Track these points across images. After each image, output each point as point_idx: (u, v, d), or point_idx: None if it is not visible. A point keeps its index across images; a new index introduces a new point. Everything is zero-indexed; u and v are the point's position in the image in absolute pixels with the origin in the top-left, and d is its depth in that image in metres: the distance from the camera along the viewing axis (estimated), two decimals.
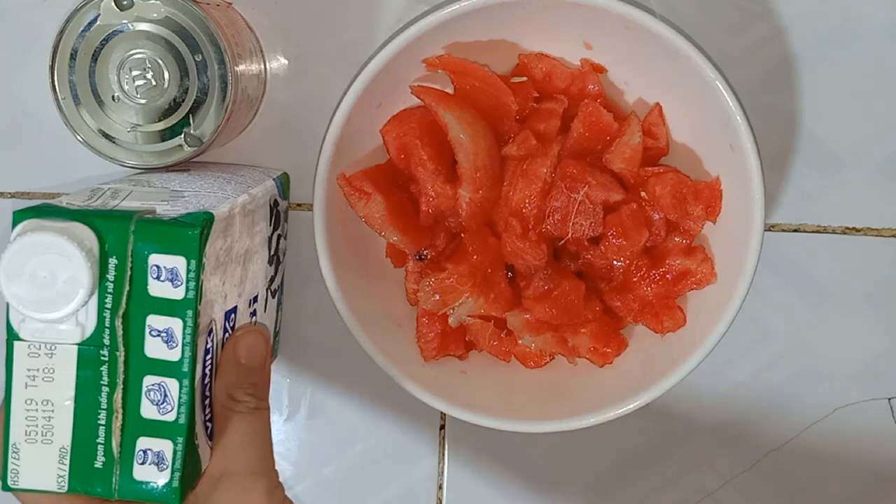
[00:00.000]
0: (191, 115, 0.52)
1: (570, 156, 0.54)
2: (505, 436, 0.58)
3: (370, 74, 0.51)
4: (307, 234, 0.54)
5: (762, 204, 0.50)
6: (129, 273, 0.38)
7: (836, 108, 0.57)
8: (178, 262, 0.38)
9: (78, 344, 0.38)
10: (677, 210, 0.54)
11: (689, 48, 0.50)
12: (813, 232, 0.58)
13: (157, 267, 0.38)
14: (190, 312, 0.38)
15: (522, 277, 0.55)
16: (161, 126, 0.53)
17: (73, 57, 0.52)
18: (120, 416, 0.38)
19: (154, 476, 0.38)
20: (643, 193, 0.54)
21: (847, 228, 0.58)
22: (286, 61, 0.59)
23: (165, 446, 0.38)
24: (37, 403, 0.38)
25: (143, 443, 0.38)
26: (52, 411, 0.38)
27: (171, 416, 0.38)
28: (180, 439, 0.38)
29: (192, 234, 0.38)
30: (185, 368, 0.38)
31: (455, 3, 0.50)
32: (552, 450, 0.60)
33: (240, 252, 0.44)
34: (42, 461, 0.38)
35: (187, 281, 0.38)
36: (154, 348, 0.38)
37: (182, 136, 0.53)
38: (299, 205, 0.60)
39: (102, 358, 0.38)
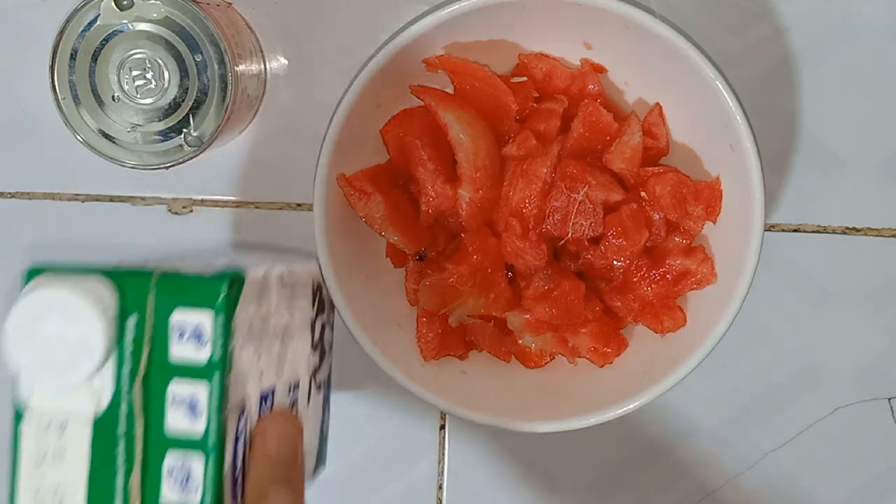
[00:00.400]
0: (191, 116, 0.52)
1: (570, 156, 0.54)
2: (505, 436, 0.58)
3: (370, 74, 0.51)
4: (307, 234, 0.54)
5: (762, 204, 0.50)
6: (149, 333, 0.34)
7: (836, 108, 0.57)
8: (204, 318, 0.34)
9: (93, 418, 0.34)
10: (677, 210, 0.54)
11: (689, 48, 0.50)
12: (813, 232, 0.58)
13: (181, 325, 0.34)
14: (217, 375, 0.33)
15: (522, 277, 0.55)
16: (161, 126, 0.53)
17: (73, 57, 0.52)
18: (138, 498, 0.33)
19: None
20: (643, 193, 0.54)
21: (847, 228, 0.58)
22: (286, 61, 0.59)
23: None
24: (46, 483, 0.34)
25: None
26: (65, 490, 0.33)
27: (195, 497, 0.33)
28: None
29: (219, 286, 0.34)
30: (212, 442, 0.33)
31: (455, 3, 0.50)
32: (552, 450, 0.60)
33: (278, 326, 0.39)
34: None
35: (214, 339, 0.34)
36: (176, 420, 0.34)
37: (182, 136, 0.53)
38: (299, 205, 0.60)
39: (119, 432, 0.34)
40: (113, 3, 0.51)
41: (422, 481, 0.60)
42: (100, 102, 0.53)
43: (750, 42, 0.57)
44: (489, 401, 0.54)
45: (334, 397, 0.61)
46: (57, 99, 0.52)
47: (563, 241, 0.54)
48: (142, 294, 0.34)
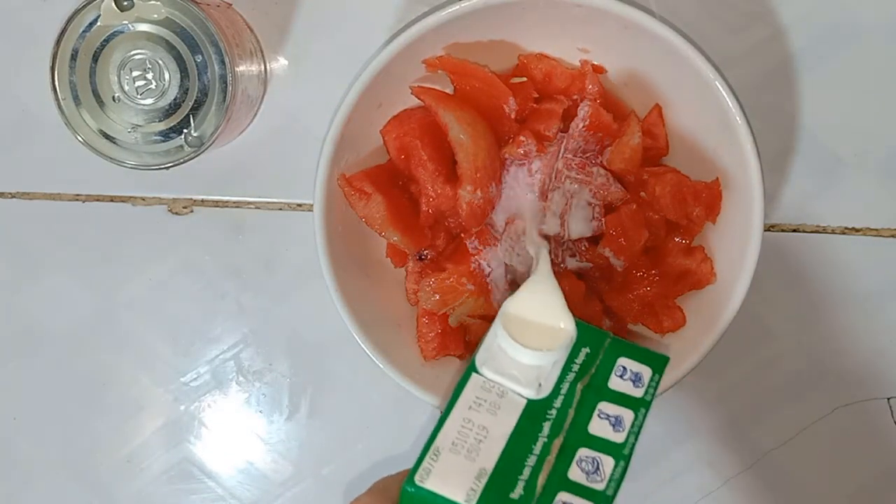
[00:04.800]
0: (191, 116, 0.52)
1: (570, 156, 0.54)
2: None
3: (370, 75, 0.51)
4: (307, 234, 0.54)
5: (762, 204, 0.50)
6: (597, 362, 0.42)
7: (836, 108, 0.57)
8: (644, 370, 0.42)
9: (529, 399, 0.40)
10: (677, 210, 0.54)
11: (688, 48, 0.50)
12: (813, 232, 0.58)
13: (624, 368, 0.42)
14: (644, 411, 0.41)
15: (523, 278, 0.55)
16: (161, 126, 0.53)
17: (73, 57, 0.52)
18: (550, 465, 0.38)
19: None
20: (643, 193, 0.54)
21: (847, 228, 0.58)
22: (286, 62, 0.59)
23: None
24: (473, 424, 0.39)
25: (564, 496, 0.38)
26: (485, 437, 0.39)
27: (599, 486, 0.38)
28: None
29: (664, 358, 0.43)
30: (627, 452, 0.39)
31: (455, 3, 0.50)
32: None
33: None
34: (458, 472, 0.38)
35: (648, 387, 0.42)
36: (599, 428, 0.40)
37: (182, 136, 0.53)
38: (299, 205, 0.60)
39: (549, 415, 0.40)
40: (113, 4, 0.51)
41: None
42: (100, 103, 0.53)
43: (750, 42, 0.57)
44: None
45: (335, 397, 0.61)
46: (57, 99, 0.52)
47: (562, 242, 0.54)
48: (599, 338, 0.43)
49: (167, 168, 0.53)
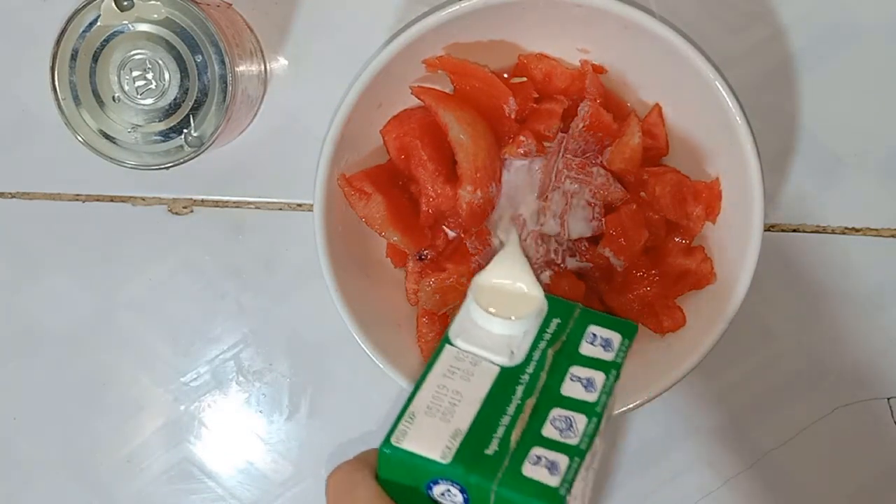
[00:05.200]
0: (191, 116, 0.52)
1: (570, 156, 0.54)
2: None
3: (370, 75, 0.51)
4: (307, 234, 0.54)
5: (762, 204, 0.50)
6: (568, 330, 0.43)
7: (836, 108, 0.57)
8: (614, 336, 0.43)
9: (502, 366, 0.41)
10: (677, 210, 0.54)
11: (688, 48, 0.50)
12: (812, 232, 0.58)
13: (594, 335, 0.43)
14: (615, 372, 0.42)
15: None
16: (162, 127, 0.53)
17: (73, 57, 0.52)
18: (523, 423, 0.39)
19: (544, 477, 0.38)
20: (643, 193, 0.54)
21: (847, 228, 0.58)
22: (286, 62, 0.59)
23: (561, 459, 0.39)
24: (447, 390, 0.40)
25: (538, 451, 0.39)
26: (460, 401, 0.40)
27: (573, 441, 0.39)
28: (577, 459, 0.39)
29: (633, 325, 0.44)
30: (599, 409, 0.40)
31: (455, 3, 0.50)
32: None
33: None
34: (433, 433, 0.39)
35: (618, 351, 0.43)
36: (571, 390, 0.41)
37: (182, 136, 0.53)
38: (299, 205, 0.60)
39: (521, 380, 0.41)
40: (113, 4, 0.51)
41: None
42: (100, 103, 0.53)
43: (750, 42, 0.57)
44: None
45: (335, 397, 0.61)
46: (57, 99, 0.52)
47: (562, 242, 0.54)
48: (569, 309, 0.44)
49: (167, 168, 0.53)
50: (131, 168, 0.53)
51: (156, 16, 0.51)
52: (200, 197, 0.60)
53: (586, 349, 0.43)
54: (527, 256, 0.51)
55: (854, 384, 0.59)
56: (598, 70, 0.55)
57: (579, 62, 0.55)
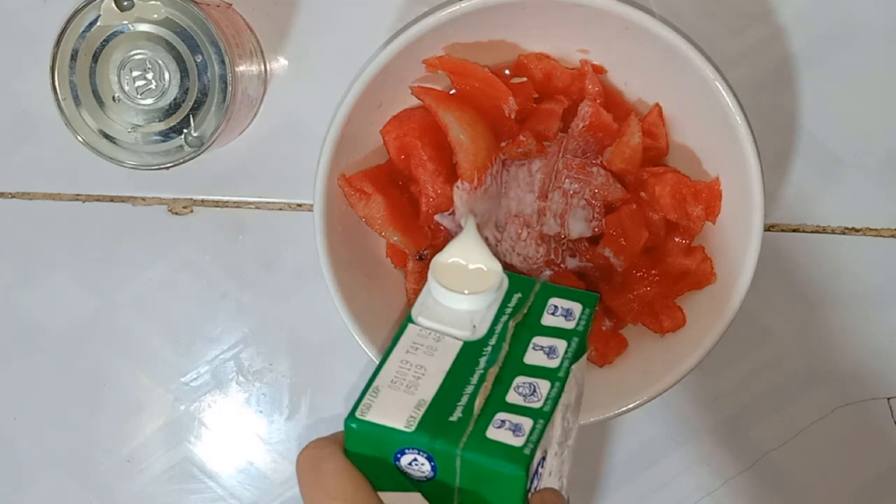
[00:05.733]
0: (191, 116, 0.52)
1: (570, 156, 0.54)
2: None
3: (370, 75, 0.51)
4: (307, 234, 0.54)
5: (762, 204, 0.50)
6: (529, 302, 0.44)
7: (836, 108, 0.57)
8: (575, 306, 0.44)
9: (464, 341, 0.42)
10: (677, 210, 0.54)
11: (688, 49, 0.50)
12: (812, 232, 0.58)
13: (555, 306, 0.44)
14: (576, 340, 0.42)
15: None
16: (162, 127, 0.53)
17: (73, 58, 0.52)
18: (486, 391, 0.40)
19: (508, 439, 0.38)
20: (643, 193, 0.54)
21: (847, 228, 0.58)
22: (286, 62, 0.59)
23: (525, 422, 0.39)
24: (411, 365, 0.41)
25: (502, 416, 0.39)
26: (423, 374, 0.40)
27: (536, 405, 0.40)
28: (541, 421, 0.39)
29: (593, 296, 0.44)
30: (562, 375, 0.41)
31: (455, 3, 0.50)
32: None
33: (570, 400, 0.45)
34: (398, 405, 0.39)
35: (579, 320, 0.43)
36: (533, 358, 0.42)
37: (182, 136, 0.53)
38: (299, 205, 0.60)
39: (484, 351, 0.41)
40: (113, 4, 0.51)
41: None
42: (100, 103, 0.53)
43: (750, 42, 0.57)
44: None
45: (335, 397, 0.61)
46: (57, 99, 0.52)
47: (562, 242, 0.54)
48: (529, 284, 0.45)
49: (167, 168, 0.53)
50: (131, 168, 0.53)
51: (156, 16, 0.51)
52: (200, 197, 0.60)
53: (548, 320, 0.43)
54: (534, 257, 0.52)
55: (854, 384, 0.59)
56: (598, 70, 0.55)
57: (579, 62, 0.55)
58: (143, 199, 0.60)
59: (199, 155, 0.53)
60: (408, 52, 0.51)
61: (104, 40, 0.52)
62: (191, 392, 0.61)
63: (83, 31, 0.52)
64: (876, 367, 0.59)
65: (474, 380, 0.40)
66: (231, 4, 0.57)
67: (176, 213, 0.60)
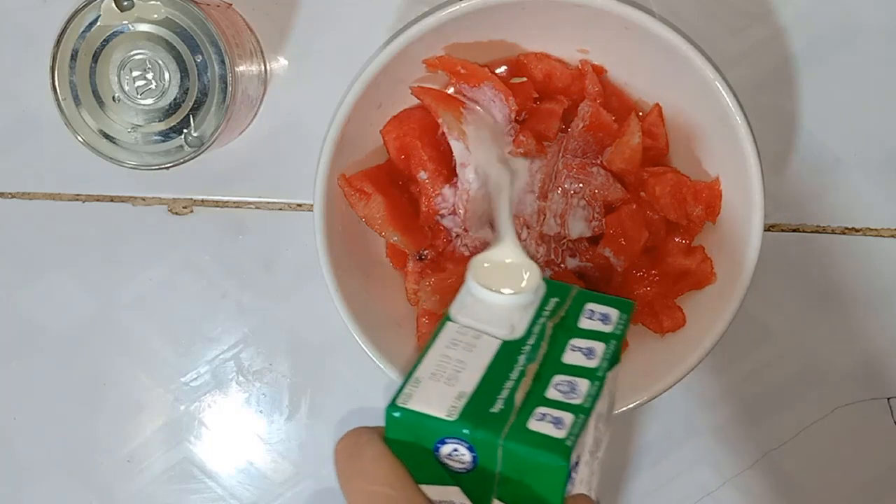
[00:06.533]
0: (191, 116, 0.52)
1: (570, 156, 0.54)
2: None
3: (370, 75, 0.51)
4: (307, 234, 0.54)
5: (762, 204, 0.50)
6: (566, 306, 0.44)
7: (836, 108, 0.57)
8: (612, 311, 0.44)
9: (503, 340, 0.42)
10: (677, 210, 0.54)
11: (688, 49, 0.50)
12: (812, 232, 0.58)
13: (591, 311, 0.44)
14: (614, 343, 0.42)
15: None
16: (162, 127, 0.53)
17: (73, 58, 0.52)
18: (527, 386, 0.40)
19: (549, 430, 0.38)
20: (643, 193, 0.54)
21: (847, 228, 0.58)
22: (286, 62, 0.59)
23: (566, 416, 0.39)
24: (451, 359, 0.41)
25: (543, 409, 0.39)
26: (463, 369, 0.41)
27: (576, 401, 0.40)
28: (582, 416, 0.39)
29: (629, 303, 0.45)
30: (601, 374, 0.41)
31: (455, 3, 0.50)
32: None
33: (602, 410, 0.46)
34: (439, 395, 0.39)
35: (617, 324, 0.43)
36: (572, 358, 0.42)
37: (182, 136, 0.53)
38: (299, 205, 0.60)
39: (523, 350, 0.42)
40: (113, 4, 0.51)
41: None
42: (100, 103, 0.53)
43: (750, 42, 0.57)
44: None
45: (335, 397, 0.61)
46: (57, 99, 0.52)
47: (562, 242, 0.54)
48: (566, 290, 0.45)
49: (167, 168, 0.53)
50: (131, 168, 0.53)
51: (156, 16, 0.51)
52: (200, 197, 0.60)
53: (585, 323, 0.44)
54: (534, 257, 0.52)
55: (854, 384, 0.59)
56: (598, 70, 0.55)
57: (579, 62, 0.55)
58: (143, 199, 0.60)
59: (199, 155, 0.53)
60: (408, 52, 0.51)
61: (104, 40, 0.52)
62: (191, 392, 0.61)
63: (83, 31, 0.52)
64: (876, 367, 0.59)
65: (514, 375, 0.41)
66: (231, 4, 0.57)
67: (176, 213, 0.60)
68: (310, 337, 0.60)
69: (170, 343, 0.61)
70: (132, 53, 0.52)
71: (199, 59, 0.52)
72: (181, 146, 0.53)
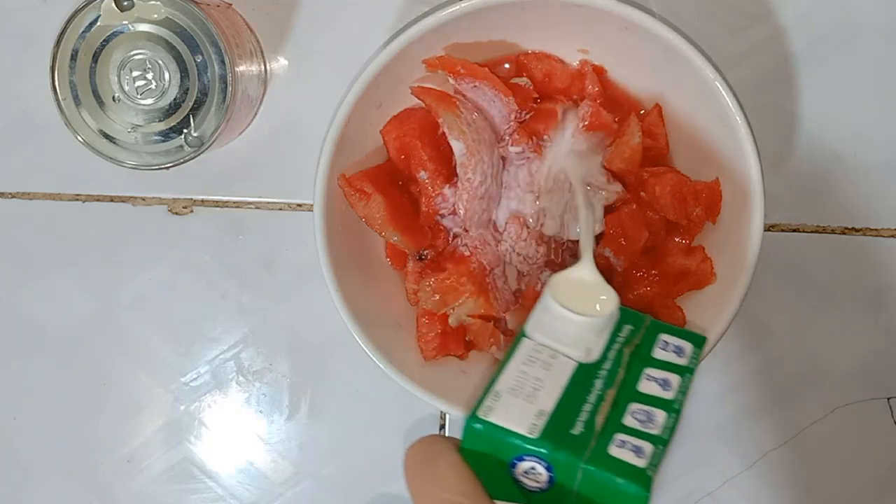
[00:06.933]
0: (191, 116, 0.52)
1: (570, 156, 0.54)
2: None
3: (371, 75, 0.51)
4: (307, 234, 0.54)
5: (762, 204, 0.50)
6: (640, 335, 0.45)
7: (836, 108, 0.57)
8: (685, 345, 0.45)
9: (579, 362, 0.43)
10: (677, 210, 0.54)
11: (688, 49, 0.50)
12: (812, 232, 0.58)
13: (665, 342, 0.45)
14: (689, 376, 0.43)
15: (522, 277, 0.55)
16: (162, 127, 0.53)
17: (73, 58, 0.52)
18: (605, 411, 0.40)
19: (630, 458, 0.39)
20: (643, 193, 0.54)
21: (847, 228, 0.58)
22: (286, 62, 0.59)
23: (646, 445, 0.39)
24: (529, 376, 0.41)
25: (622, 437, 0.40)
26: (542, 386, 0.41)
27: (654, 431, 0.40)
28: (661, 447, 0.39)
29: (701, 337, 0.46)
30: (677, 406, 0.42)
31: (455, 3, 0.50)
32: None
33: None
34: (519, 411, 0.39)
35: (691, 358, 0.44)
36: (648, 387, 0.43)
37: (182, 136, 0.53)
38: (299, 205, 0.60)
39: (599, 374, 0.42)
40: (113, 4, 0.51)
41: None
42: (100, 103, 0.53)
43: (750, 42, 0.57)
44: None
45: (335, 397, 0.61)
46: (57, 99, 0.52)
47: (562, 242, 0.54)
48: (639, 319, 0.46)
49: (167, 168, 0.53)
50: (131, 168, 0.53)
51: (156, 16, 0.51)
52: (200, 197, 0.60)
53: (659, 354, 0.44)
54: (534, 257, 0.52)
55: (854, 384, 0.59)
56: (598, 70, 0.55)
57: (579, 62, 0.55)
58: (143, 199, 0.60)
59: (199, 155, 0.53)
60: (408, 52, 0.51)
61: (104, 40, 0.52)
62: (191, 392, 0.61)
63: (83, 31, 0.52)
64: (876, 367, 0.59)
65: (592, 398, 0.41)
66: (231, 4, 0.57)
67: (176, 213, 0.60)
68: (310, 337, 0.60)
69: (170, 343, 0.61)
70: (132, 53, 0.52)
71: (199, 59, 0.52)
72: (181, 146, 0.53)
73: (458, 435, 0.60)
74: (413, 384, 0.52)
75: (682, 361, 0.44)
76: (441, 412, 0.60)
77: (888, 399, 0.59)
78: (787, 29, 0.57)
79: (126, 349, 0.61)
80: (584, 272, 0.48)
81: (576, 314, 0.44)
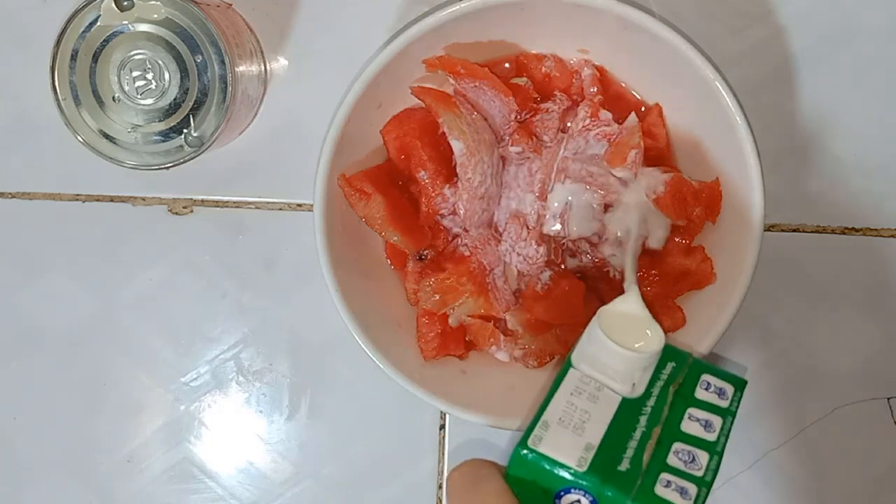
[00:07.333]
0: (191, 116, 0.52)
1: (570, 156, 0.54)
2: (505, 435, 0.58)
3: (371, 75, 0.51)
4: (307, 234, 0.54)
5: (762, 204, 0.50)
6: (683, 373, 0.45)
7: (836, 108, 0.57)
8: (727, 387, 0.46)
9: (623, 396, 0.43)
10: (677, 210, 0.54)
11: (688, 49, 0.50)
12: (812, 232, 0.58)
13: (708, 383, 0.46)
14: (730, 419, 0.44)
15: (522, 277, 0.55)
16: (162, 127, 0.53)
17: (73, 58, 0.52)
18: (651, 449, 0.41)
19: (675, 499, 0.40)
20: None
21: (846, 228, 0.58)
22: (286, 62, 0.59)
23: (690, 487, 0.40)
24: (576, 408, 0.42)
25: (667, 476, 0.40)
26: (589, 419, 0.41)
27: (697, 473, 0.41)
28: (704, 489, 0.40)
29: (742, 381, 0.46)
30: (719, 449, 0.42)
31: (455, 3, 0.50)
32: None
33: None
34: (568, 443, 0.40)
35: (732, 400, 0.45)
36: (690, 428, 0.43)
37: (182, 136, 0.53)
38: (299, 205, 0.60)
39: (644, 410, 0.43)
40: (113, 4, 0.51)
41: (422, 481, 0.60)
42: (100, 103, 0.53)
43: (750, 42, 0.57)
44: (489, 401, 0.54)
45: (335, 397, 0.61)
46: (58, 99, 0.52)
47: (562, 242, 0.54)
48: (682, 357, 0.47)
49: (167, 168, 0.53)
50: (131, 168, 0.53)
51: (156, 16, 0.51)
52: (200, 197, 0.60)
53: (702, 394, 0.45)
54: (534, 257, 0.52)
55: (854, 384, 0.59)
56: (599, 70, 0.55)
57: (579, 62, 0.55)
58: (143, 199, 0.60)
59: (199, 155, 0.53)
60: (408, 52, 0.51)
61: (104, 40, 0.52)
62: (191, 392, 0.61)
63: (83, 31, 0.52)
64: (876, 367, 0.59)
65: (636, 435, 0.41)
66: (231, 4, 0.57)
67: (176, 213, 0.60)
68: (310, 337, 0.60)
69: (170, 343, 0.61)
70: (132, 53, 0.52)
71: (199, 59, 0.52)
72: (181, 146, 0.53)
73: (458, 435, 0.60)
74: (413, 384, 0.52)
75: (723, 404, 0.45)
76: (441, 412, 0.60)
77: (888, 399, 0.59)
78: (787, 29, 0.57)
79: (126, 349, 0.61)
80: (633, 306, 0.48)
81: (623, 348, 0.44)
